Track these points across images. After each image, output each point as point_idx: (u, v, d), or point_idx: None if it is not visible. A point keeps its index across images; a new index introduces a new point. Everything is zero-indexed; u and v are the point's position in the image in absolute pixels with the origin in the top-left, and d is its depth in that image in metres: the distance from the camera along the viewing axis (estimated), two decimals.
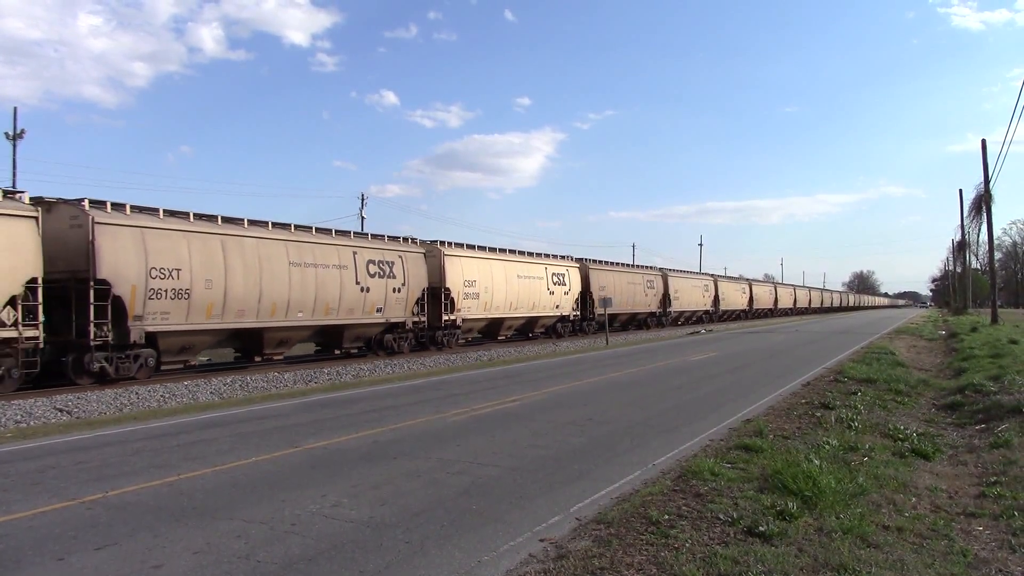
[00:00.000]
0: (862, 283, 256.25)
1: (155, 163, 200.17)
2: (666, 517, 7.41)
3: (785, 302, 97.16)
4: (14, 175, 43.17)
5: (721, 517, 7.38)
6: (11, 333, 17.49)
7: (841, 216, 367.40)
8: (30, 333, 17.86)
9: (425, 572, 6.18)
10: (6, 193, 18.09)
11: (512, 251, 39.07)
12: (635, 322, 53.55)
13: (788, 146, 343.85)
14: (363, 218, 65.63)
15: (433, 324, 32.90)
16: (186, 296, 21.04)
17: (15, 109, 44.83)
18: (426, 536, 7.06)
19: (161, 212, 21.43)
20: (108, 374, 19.56)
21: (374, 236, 30.73)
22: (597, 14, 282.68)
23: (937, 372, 23.28)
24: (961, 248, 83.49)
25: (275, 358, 25.49)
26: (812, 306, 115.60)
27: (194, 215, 22.45)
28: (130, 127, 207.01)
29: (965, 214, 65.08)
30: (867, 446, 10.85)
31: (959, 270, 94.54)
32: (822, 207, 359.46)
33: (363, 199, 67.17)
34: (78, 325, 19.05)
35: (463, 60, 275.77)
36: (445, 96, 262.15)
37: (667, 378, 21.06)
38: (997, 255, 69.98)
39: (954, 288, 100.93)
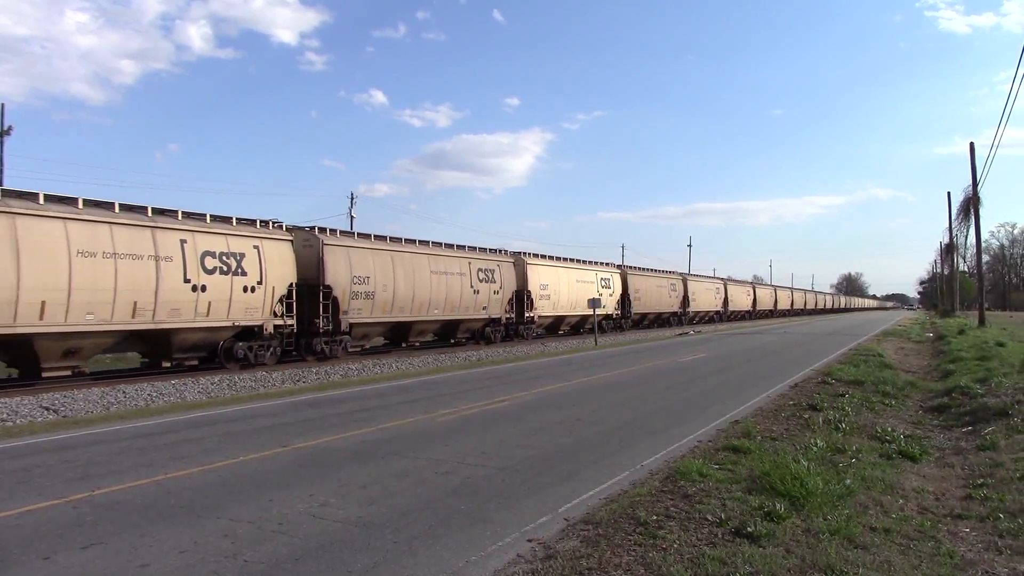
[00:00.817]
0: (850, 285, 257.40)
1: (143, 161, 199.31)
2: (654, 518, 7.42)
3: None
4: (1, 172, 42.86)
5: (709, 518, 7.40)
6: (281, 321, 24.74)
7: (829, 218, 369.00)
8: (290, 322, 25.18)
9: (413, 572, 6.17)
10: (276, 224, 25.42)
11: (570, 259, 44.82)
12: (660, 320, 57.75)
13: (776, 148, 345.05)
14: (352, 217, 65.52)
15: (518, 320, 39.29)
16: (371, 297, 28.30)
17: (2, 106, 44.30)
18: (414, 536, 7.05)
19: (356, 235, 29.80)
20: (326, 353, 26.84)
21: (479, 249, 37.31)
22: (585, 15, 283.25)
23: (924, 374, 23.39)
24: (949, 251, 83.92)
25: (415, 344, 33.52)
26: (793, 308, 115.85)
27: (375, 236, 30.29)
28: (118, 125, 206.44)
29: (953, 217, 65.46)
30: (854, 448, 10.90)
31: (947, 272, 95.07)
32: (810, 209, 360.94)
33: (352, 198, 67.05)
34: (309, 317, 26.04)
35: (452, 60, 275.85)
36: (434, 96, 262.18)
37: (656, 379, 21.09)
38: (985, 258, 70.44)
39: (942, 291, 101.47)
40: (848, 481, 8.77)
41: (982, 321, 46.23)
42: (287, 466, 10.10)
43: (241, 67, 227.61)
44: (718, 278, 77.43)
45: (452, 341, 34.93)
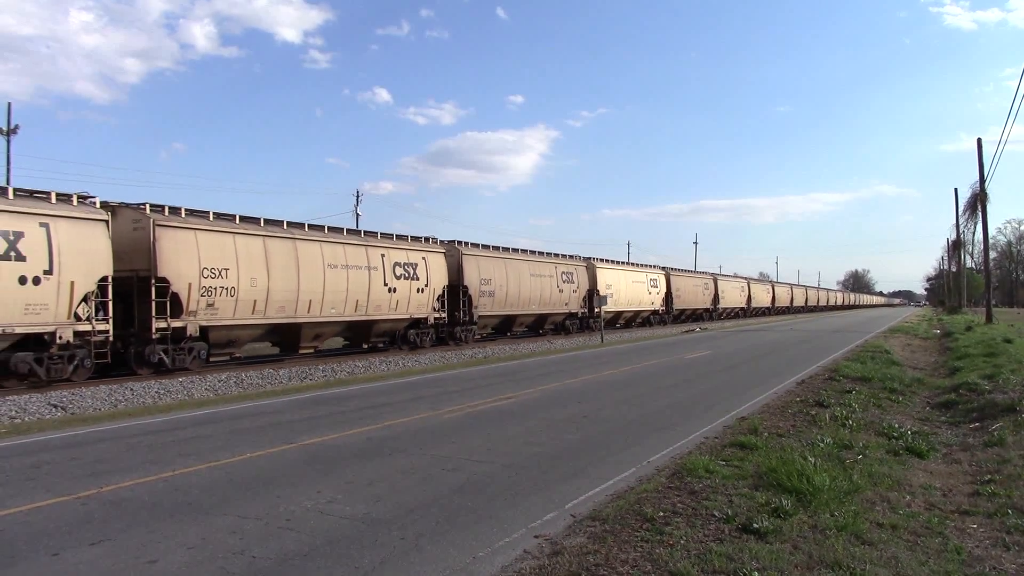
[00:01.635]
0: (857, 282, 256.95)
1: (148, 160, 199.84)
2: (661, 514, 7.43)
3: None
4: (8, 171, 43.03)
5: (716, 514, 7.40)
6: (439, 314, 29.35)
7: (835, 215, 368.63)
8: (443, 315, 30.76)
9: (420, 568, 6.18)
10: (435, 240, 29.54)
11: (626, 263, 42.09)
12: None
13: (781, 145, 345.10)
14: (358, 215, 65.61)
15: (590, 314, 44.03)
16: (492, 295, 35.72)
17: (9, 104, 44.47)
18: (421, 532, 7.06)
19: (482, 247, 35.95)
20: (462, 339, 33.49)
21: (561, 255, 40.57)
22: (589, 12, 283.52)
23: (932, 371, 23.33)
24: (956, 247, 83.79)
25: (516, 332, 40.95)
26: (807, 305, 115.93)
27: (492, 247, 36.67)
28: (123, 124, 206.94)
29: (960, 213, 65.28)
30: (861, 444, 10.88)
31: (954, 269, 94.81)
32: (816, 206, 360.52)
33: (358, 196, 67.20)
34: (450, 311, 32.70)
35: (456, 58, 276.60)
36: (438, 94, 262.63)
37: (662, 376, 21.08)
38: (992, 254, 70.16)
39: (949, 287, 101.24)
40: (855, 477, 8.76)
41: (989, 318, 46.13)
42: (294, 463, 10.13)
43: (245, 66, 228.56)
44: (742, 277, 78.60)
45: (540, 332, 42.23)
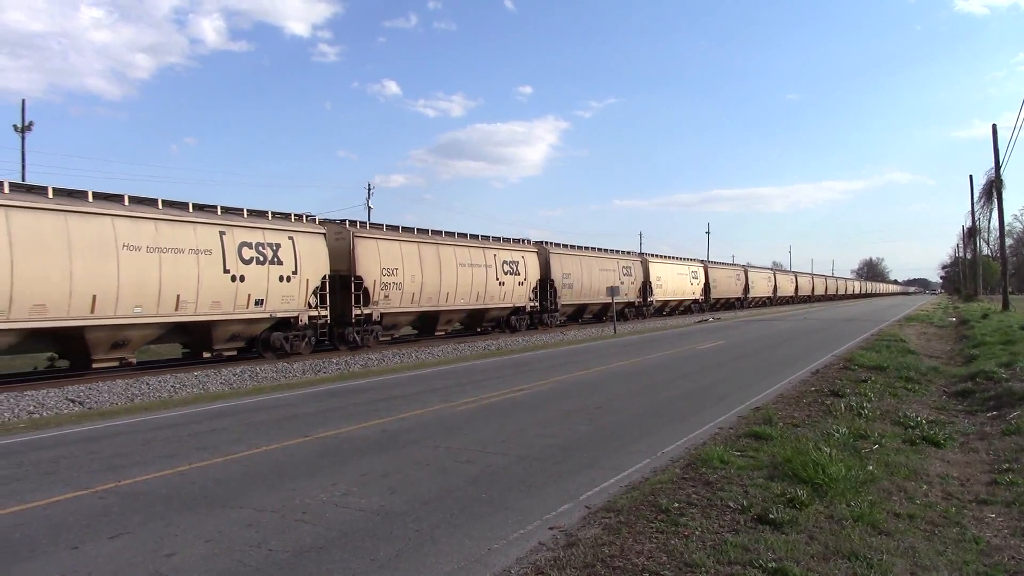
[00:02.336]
0: (871, 270, 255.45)
1: (160, 154, 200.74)
2: (676, 505, 7.42)
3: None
4: (23, 167, 43.27)
5: (731, 505, 7.38)
6: (535, 304, 35.10)
7: (847, 203, 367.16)
8: (536, 304, 36.99)
9: (435, 560, 6.20)
10: (528, 241, 35.86)
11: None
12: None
13: (791, 133, 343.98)
14: (370, 208, 65.74)
15: (643, 303, 52.11)
16: (572, 287, 41.71)
17: (23, 101, 44.72)
18: (436, 524, 7.08)
19: (563, 246, 42.82)
20: (548, 324, 39.41)
21: (623, 252, 50.99)
22: (597, 2, 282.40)
23: (948, 359, 23.20)
24: (971, 234, 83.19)
25: (588, 318, 47.42)
26: (815, 294, 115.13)
27: (572, 246, 43.96)
28: (134, 118, 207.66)
29: (975, 200, 64.80)
30: (877, 434, 10.83)
31: (969, 257, 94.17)
32: (828, 194, 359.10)
33: (369, 189, 67.29)
34: (541, 302, 39.20)
35: (463, 49, 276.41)
36: (447, 85, 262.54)
37: (675, 366, 21.04)
38: (1008, 241, 69.46)
39: (964, 275, 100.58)
40: (871, 467, 8.72)
41: (1006, 305, 45.81)
42: (309, 456, 10.17)
43: (255, 60, 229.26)
44: (769, 268, 79.25)
45: (603, 319, 47.01)
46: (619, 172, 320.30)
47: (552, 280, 39.86)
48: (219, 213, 22.85)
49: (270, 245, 23.82)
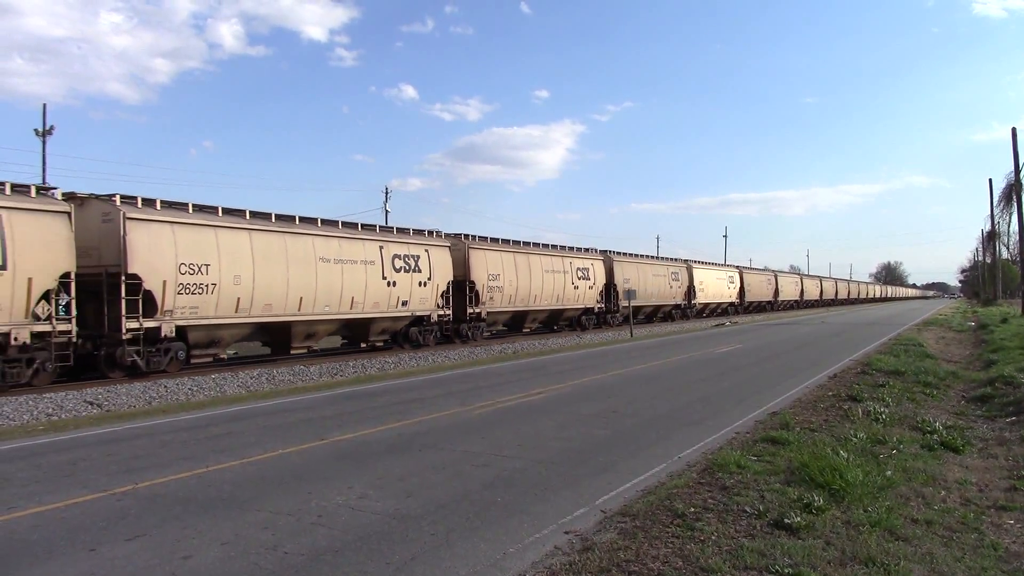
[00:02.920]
0: (889, 274, 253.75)
1: (179, 158, 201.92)
2: (692, 510, 7.40)
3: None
4: (44, 171, 43.61)
5: (747, 510, 7.35)
6: (603, 305, 41.32)
7: (866, 207, 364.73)
8: (601, 306, 41.33)
9: (451, 564, 6.20)
10: (594, 250, 39.30)
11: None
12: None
13: (809, 137, 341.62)
14: (387, 211, 65.97)
15: (687, 305, 55.62)
16: (634, 295, 42.66)
17: (44, 105, 45.03)
18: (451, 528, 7.08)
19: (623, 254, 47.56)
20: (611, 323, 44.32)
21: (671, 259, 51.27)
22: (612, 6, 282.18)
23: (966, 364, 23.01)
24: (991, 238, 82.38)
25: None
26: (838, 298, 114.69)
27: (630, 254, 49.25)
28: (153, 123, 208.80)
29: (995, 204, 64.16)
30: (895, 439, 10.75)
31: (989, 261, 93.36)
32: (846, 198, 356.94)
33: (387, 192, 67.57)
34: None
35: (480, 53, 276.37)
36: (463, 89, 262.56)
37: (692, 370, 20.97)
38: None
39: (983, 279, 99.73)
40: (889, 472, 8.67)
41: None
42: (325, 459, 10.20)
43: (273, 64, 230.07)
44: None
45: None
46: (636, 175, 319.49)
47: (615, 284, 40.77)
48: (377, 231, 28.59)
49: (413, 256, 29.09)
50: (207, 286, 21.04)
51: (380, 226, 29.81)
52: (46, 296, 17.82)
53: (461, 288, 32.39)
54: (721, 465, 9.09)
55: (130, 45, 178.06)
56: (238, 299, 21.96)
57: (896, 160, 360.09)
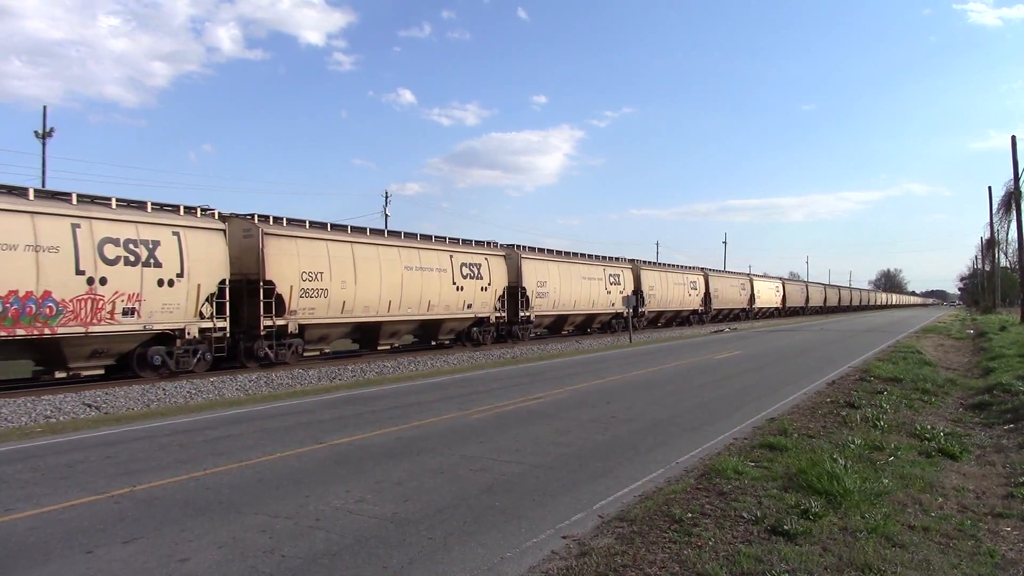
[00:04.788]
0: (889, 281, 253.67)
1: (178, 161, 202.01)
2: (689, 515, 7.40)
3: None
4: (44, 173, 43.64)
5: (745, 516, 7.36)
6: (621, 309, 42.29)
7: (865, 213, 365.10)
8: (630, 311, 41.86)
9: (448, 568, 6.20)
10: (625, 259, 40.51)
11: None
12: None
13: (808, 144, 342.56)
14: (387, 216, 66.03)
15: (705, 310, 59.18)
16: (652, 299, 49.27)
17: (44, 108, 45.08)
18: (449, 532, 7.09)
19: (645, 262, 50.05)
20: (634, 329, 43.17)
21: (697, 268, 56.67)
22: (610, 12, 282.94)
23: (965, 371, 23.02)
24: (990, 246, 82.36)
25: (661, 324, 53.54)
26: (839, 304, 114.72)
27: (650, 262, 52.56)
28: (153, 126, 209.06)
29: (994, 212, 64.21)
30: (893, 445, 10.77)
31: (988, 269, 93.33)
32: (845, 204, 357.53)
33: (387, 197, 67.67)
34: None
35: (478, 59, 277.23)
36: (461, 94, 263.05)
37: (691, 376, 20.98)
38: None
39: (983, 287, 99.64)
40: (886, 479, 8.68)
41: None
42: (323, 463, 10.20)
43: (271, 68, 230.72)
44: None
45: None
46: (635, 181, 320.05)
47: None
48: (447, 243, 32.32)
49: (476, 265, 32.68)
50: (321, 291, 25.07)
51: (448, 238, 33.02)
52: (208, 299, 21.50)
53: (514, 293, 35.60)
54: (719, 471, 9.09)
55: (128, 48, 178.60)
56: (344, 302, 25.81)
57: (894, 167, 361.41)
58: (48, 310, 17.37)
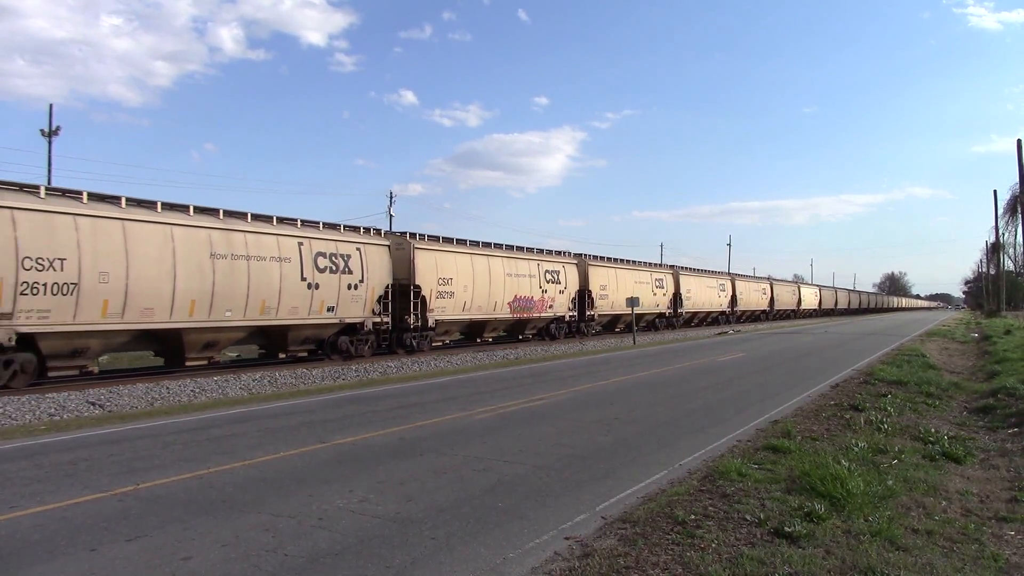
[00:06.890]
0: (893, 284, 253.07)
1: (181, 160, 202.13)
2: (692, 517, 7.40)
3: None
4: (49, 172, 43.72)
5: (748, 518, 7.35)
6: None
7: (868, 216, 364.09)
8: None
9: (451, 568, 6.21)
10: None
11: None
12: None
13: (810, 147, 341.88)
14: (391, 216, 66.15)
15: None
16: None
17: (51, 106, 45.12)
18: (452, 532, 7.09)
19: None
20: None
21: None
22: (611, 13, 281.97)
23: (969, 375, 22.96)
24: (995, 250, 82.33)
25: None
26: (839, 307, 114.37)
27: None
28: (156, 125, 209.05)
29: (999, 215, 64.14)
30: (897, 449, 10.75)
31: (993, 272, 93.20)
32: (848, 207, 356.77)
33: (391, 197, 67.71)
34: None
35: (479, 60, 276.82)
36: (463, 96, 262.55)
37: (694, 378, 20.96)
38: None
39: (987, 290, 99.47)
40: (890, 482, 8.66)
41: None
42: (326, 462, 10.21)
43: (273, 68, 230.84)
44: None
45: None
46: (638, 183, 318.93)
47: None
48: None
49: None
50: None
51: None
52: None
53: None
54: (722, 473, 9.09)
55: (131, 48, 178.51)
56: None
57: (897, 170, 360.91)
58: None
